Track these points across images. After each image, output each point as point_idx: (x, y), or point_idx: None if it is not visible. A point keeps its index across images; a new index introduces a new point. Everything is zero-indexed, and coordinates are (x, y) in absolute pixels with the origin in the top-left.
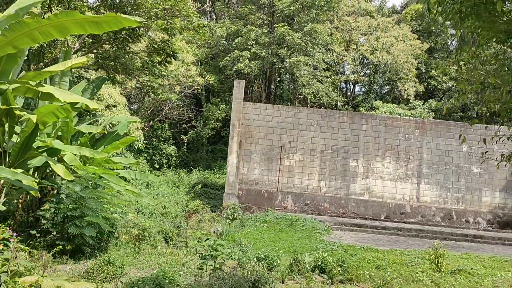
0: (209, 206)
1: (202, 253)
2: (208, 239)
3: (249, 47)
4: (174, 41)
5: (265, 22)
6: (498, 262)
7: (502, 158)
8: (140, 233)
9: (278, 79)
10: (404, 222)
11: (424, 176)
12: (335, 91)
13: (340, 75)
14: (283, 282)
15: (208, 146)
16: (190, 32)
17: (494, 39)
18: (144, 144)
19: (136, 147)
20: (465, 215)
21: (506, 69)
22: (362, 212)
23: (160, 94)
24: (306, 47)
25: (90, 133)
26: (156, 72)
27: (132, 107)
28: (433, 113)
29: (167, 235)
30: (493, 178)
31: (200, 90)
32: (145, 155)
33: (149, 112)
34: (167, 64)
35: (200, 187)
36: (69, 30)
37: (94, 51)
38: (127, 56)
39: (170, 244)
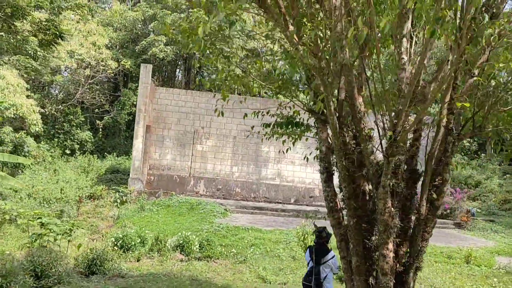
0: (114, 191)
1: (34, 233)
2: (40, 217)
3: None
4: (60, 21)
5: (183, 6)
6: None
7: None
8: (0, 216)
9: (198, 65)
10: (313, 205)
11: (334, 161)
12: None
13: (265, 63)
14: (138, 261)
15: (127, 131)
16: (69, 12)
17: None
18: (42, 128)
19: (32, 131)
20: None
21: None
22: (273, 196)
23: (36, 74)
24: (224, 34)
25: None
26: (30, 52)
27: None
28: None
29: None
30: None
31: (113, 75)
32: (56, 140)
33: (59, 96)
34: (56, 45)
35: (103, 172)
36: None
37: None
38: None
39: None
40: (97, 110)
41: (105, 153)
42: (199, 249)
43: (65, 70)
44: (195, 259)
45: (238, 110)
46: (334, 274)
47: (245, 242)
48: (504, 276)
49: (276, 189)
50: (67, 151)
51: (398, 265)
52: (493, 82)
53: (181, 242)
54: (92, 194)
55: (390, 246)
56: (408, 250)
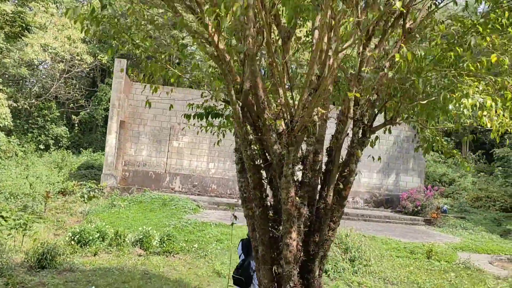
0: (87, 186)
1: None
2: None
3: (143, 27)
4: (34, 14)
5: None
6: None
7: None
8: None
9: (177, 61)
10: None
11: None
12: None
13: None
14: (95, 255)
15: (104, 127)
16: (34, 3)
17: None
18: (12, 123)
19: (1, 125)
20: None
21: None
22: None
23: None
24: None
25: None
26: None
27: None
28: None
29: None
30: (371, 160)
31: (89, 69)
32: (30, 135)
33: (34, 90)
34: (23, 38)
35: (77, 168)
36: None
37: None
38: None
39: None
40: (72, 105)
41: (81, 149)
42: (160, 244)
43: (40, 64)
44: (154, 254)
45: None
46: None
47: (210, 237)
48: (461, 271)
49: None
50: (41, 146)
51: (302, 253)
52: (390, 74)
53: (141, 237)
54: (63, 190)
55: (294, 235)
56: (316, 239)
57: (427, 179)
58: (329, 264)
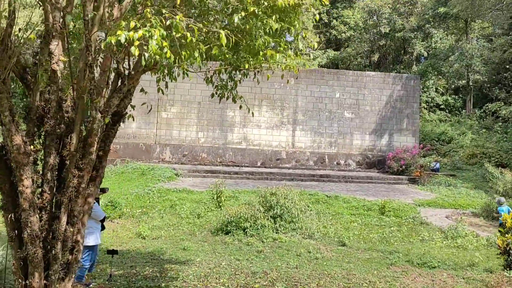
0: None
1: None
2: None
3: None
4: None
5: None
6: None
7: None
8: None
9: None
10: (279, 167)
11: (299, 123)
12: None
13: None
14: None
15: None
16: None
17: None
18: None
19: None
20: (337, 158)
21: None
22: (240, 160)
23: None
24: None
25: None
26: None
27: None
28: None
29: None
30: (363, 122)
31: None
32: None
33: None
34: None
35: None
36: None
37: None
38: None
39: None
40: None
41: None
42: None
43: None
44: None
45: (202, 75)
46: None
47: (166, 202)
48: (405, 225)
49: (243, 153)
50: None
51: (41, 200)
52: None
53: None
54: None
55: (26, 182)
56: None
57: (424, 139)
58: (248, 222)
